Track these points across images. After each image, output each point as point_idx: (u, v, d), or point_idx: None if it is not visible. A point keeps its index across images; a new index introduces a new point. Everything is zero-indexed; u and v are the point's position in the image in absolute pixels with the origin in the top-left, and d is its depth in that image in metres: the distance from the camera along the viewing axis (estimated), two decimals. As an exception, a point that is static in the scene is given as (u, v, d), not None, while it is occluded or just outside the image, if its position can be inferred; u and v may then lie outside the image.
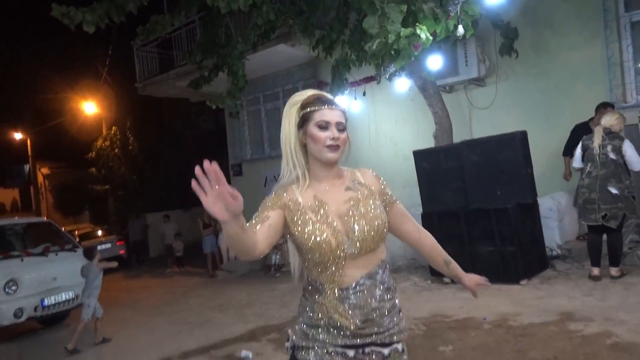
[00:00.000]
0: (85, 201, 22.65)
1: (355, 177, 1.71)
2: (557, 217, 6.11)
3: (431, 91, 6.92)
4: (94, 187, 19.68)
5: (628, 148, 4.84)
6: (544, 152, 6.66)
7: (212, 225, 11.66)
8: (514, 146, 5.47)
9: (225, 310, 7.15)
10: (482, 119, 7.75)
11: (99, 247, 16.08)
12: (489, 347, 3.79)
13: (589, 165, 5.01)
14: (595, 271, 4.98)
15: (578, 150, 5.17)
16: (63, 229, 19.03)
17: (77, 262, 7.06)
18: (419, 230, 1.85)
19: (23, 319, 6.96)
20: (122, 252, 16.36)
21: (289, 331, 1.68)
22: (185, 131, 19.06)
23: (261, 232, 1.54)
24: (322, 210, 1.60)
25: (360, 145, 9.36)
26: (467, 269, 6.01)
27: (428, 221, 6.14)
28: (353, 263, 1.59)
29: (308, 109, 1.62)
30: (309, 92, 1.69)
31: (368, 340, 1.57)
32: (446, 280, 5.98)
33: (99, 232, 17.20)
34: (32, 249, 7.92)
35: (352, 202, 1.63)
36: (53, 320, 7.74)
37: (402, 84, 6.99)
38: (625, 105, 6.49)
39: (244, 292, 8.25)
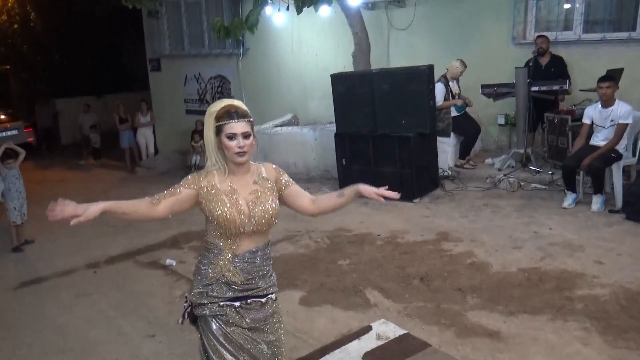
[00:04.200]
0: (-18, 79, 20.72)
1: (260, 172, 2.16)
2: (452, 142, 6.92)
3: (352, 11, 7.10)
4: (-8, 65, 18.03)
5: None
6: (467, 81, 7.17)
7: (129, 119, 11.53)
8: (420, 80, 5.99)
9: (147, 213, 7.54)
10: (399, 40, 8.11)
11: (3, 134, 15.35)
12: (378, 262, 4.61)
13: None
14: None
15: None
16: (-41, 109, 17.67)
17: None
18: (313, 201, 2.24)
19: None
20: (30, 139, 15.65)
21: (186, 295, 2.17)
22: (97, 10, 17.51)
23: (167, 202, 2.03)
24: (234, 196, 2.06)
25: (282, 53, 9.46)
26: (370, 185, 6.72)
27: (340, 141, 6.72)
28: (248, 238, 2.09)
29: (219, 122, 2.02)
30: (222, 104, 2.05)
31: (249, 293, 2.11)
32: (352, 194, 6.72)
33: (2, 116, 16.17)
34: None
35: (255, 195, 2.10)
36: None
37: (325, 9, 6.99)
38: (523, 42, 7.13)
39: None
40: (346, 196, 2.20)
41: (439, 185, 6.51)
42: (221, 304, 2.05)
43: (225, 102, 2.07)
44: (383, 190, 2.18)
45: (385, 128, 6.27)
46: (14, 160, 6.15)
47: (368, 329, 3.46)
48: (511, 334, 3.22)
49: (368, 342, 3.29)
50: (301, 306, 3.95)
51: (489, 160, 7.06)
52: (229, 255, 2.07)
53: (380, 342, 3.27)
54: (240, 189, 2.07)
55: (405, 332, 3.36)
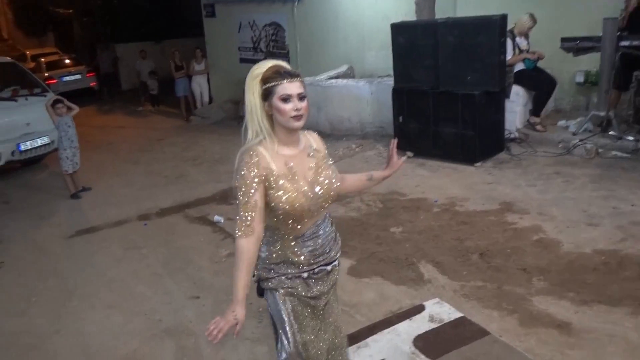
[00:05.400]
0: (48, 22, 21.25)
1: (310, 143, 1.94)
2: (522, 102, 6.31)
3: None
4: (56, 9, 18.39)
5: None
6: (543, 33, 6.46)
7: (184, 67, 11.43)
8: (492, 31, 5.39)
9: (199, 165, 7.50)
10: (469, -16, 7.36)
11: (67, 78, 15.75)
12: (433, 232, 4.29)
13: None
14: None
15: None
16: (28, 52, 18.33)
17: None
18: (343, 178, 2.06)
19: (2, 163, 7.20)
20: (93, 84, 16.07)
21: (253, 270, 2.00)
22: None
23: (257, 220, 1.79)
24: (294, 178, 1.83)
25: (341, 1, 8.91)
26: (429, 145, 6.39)
27: (398, 96, 6.28)
28: (311, 217, 1.90)
29: (270, 84, 1.77)
30: (268, 64, 1.81)
31: (317, 265, 1.97)
32: (409, 154, 6.33)
33: (67, 61, 16.56)
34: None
35: (315, 169, 1.89)
36: (31, 161, 8.00)
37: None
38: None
39: (217, 144, 8.54)
40: (375, 179, 2.11)
41: (504, 149, 5.99)
42: (289, 276, 1.94)
43: (271, 62, 1.83)
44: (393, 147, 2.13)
45: (448, 84, 5.76)
46: (63, 105, 6.14)
47: (420, 308, 3.21)
48: (584, 328, 2.86)
49: (420, 324, 3.05)
50: (350, 276, 3.73)
51: (562, 123, 6.40)
52: (291, 239, 1.91)
53: (434, 325, 3.02)
54: (298, 167, 1.85)
55: (462, 315, 3.09)
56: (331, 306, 2.07)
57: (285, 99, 1.75)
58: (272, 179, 1.79)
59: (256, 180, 1.77)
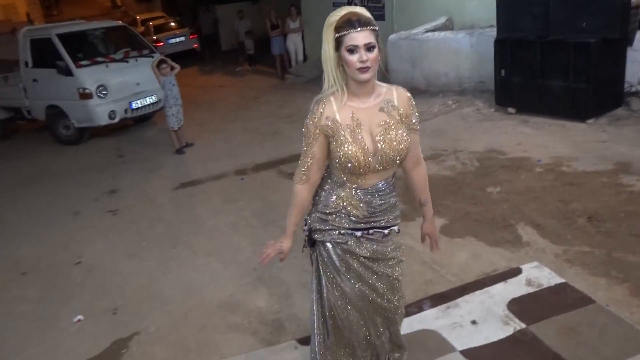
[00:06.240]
0: (154, -13, 22.43)
1: (390, 98, 1.85)
2: (647, 49, 5.59)
3: None
4: (161, -27, 19.24)
5: None
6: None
7: (280, 26, 11.51)
8: (615, -32, 4.77)
9: (292, 122, 7.62)
10: None
11: (173, 40, 16.56)
12: (535, 194, 4.01)
13: None
14: None
15: None
16: (138, 17, 19.51)
17: (156, 68, 7.49)
18: (417, 161, 1.99)
19: (116, 120, 7.84)
20: (195, 45, 16.81)
21: (306, 217, 2.04)
22: None
23: (314, 171, 1.89)
24: (357, 130, 1.80)
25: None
26: (534, 101, 5.97)
27: (501, 48, 5.84)
28: (375, 174, 1.87)
29: (339, 34, 1.73)
30: (343, 12, 1.75)
31: (371, 225, 1.94)
32: (510, 110, 5.94)
33: (172, 24, 17.42)
34: (113, 54, 8.38)
35: (383, 127, 1.82)
36: (141, 119, 8.64)
37: None
38: None
39: (311, 102, 8.57)
40: (421, 210, 2.10)
41: (622, 104, 5.39)
42: (342, 232, 1.93)
43: (346, 9, 1.76)
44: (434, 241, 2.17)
45: (559, 32, 5.23)
46: (167, 65, 6.47)
47: (517, 271, 3.05)
48: None
49: (516, 287, 2.90)
50: (441, 235, 3.58)
51: (696, 73, 5.60)
52: (354, 189, 1.89)
53: (531, 289, 2.86)
54: (365, 120, 1.81)
55: (563, 281, 2.89)
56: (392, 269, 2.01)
57: (352, 49, 1.70)
58: (334, 128, 1.79)
59: (318, 130, 1.82)
